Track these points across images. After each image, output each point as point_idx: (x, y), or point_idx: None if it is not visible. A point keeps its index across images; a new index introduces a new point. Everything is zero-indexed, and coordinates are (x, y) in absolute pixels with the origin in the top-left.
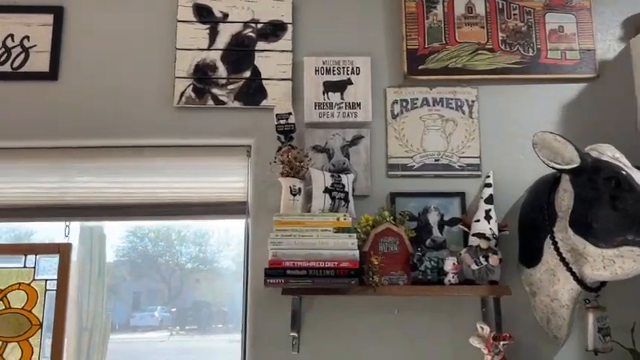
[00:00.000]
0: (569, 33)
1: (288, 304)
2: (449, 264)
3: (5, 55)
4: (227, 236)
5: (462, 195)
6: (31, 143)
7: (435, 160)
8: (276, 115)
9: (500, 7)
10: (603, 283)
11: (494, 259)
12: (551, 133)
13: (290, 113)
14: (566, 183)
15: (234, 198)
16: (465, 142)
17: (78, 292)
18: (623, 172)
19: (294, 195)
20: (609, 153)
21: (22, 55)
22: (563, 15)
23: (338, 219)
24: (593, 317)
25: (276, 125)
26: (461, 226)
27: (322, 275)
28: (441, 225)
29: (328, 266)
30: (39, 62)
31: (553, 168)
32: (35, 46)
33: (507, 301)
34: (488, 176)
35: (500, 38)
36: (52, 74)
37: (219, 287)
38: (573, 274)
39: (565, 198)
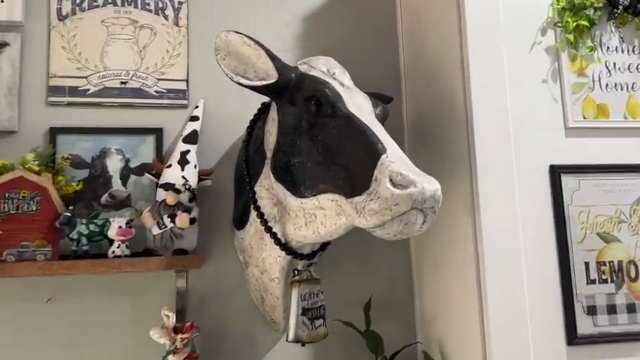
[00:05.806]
0: None
1: None
2: (114, 228)
3: None
4: None
5: (158, 132)
6: None
7: (122, 83)
8: None
9: None
10: (323, 247)
11: (182, 220)
12: (240, 34)
13: None
14: (273, 110)
15: None
16: (167, 58)
17: None
18: (326, 91)
19: None
20: (324, 67)
21: None
22: None
23: None
24: (297, 295)
25: None
26: (148, 176)
27: None
28: (126, 174)
29: None
30: None
31: (239, 84)
32: None
33: (216, 277)
34: (197, 107)
35: None
36: None
37: None
38: (273, 235)
39: (273, 132)
